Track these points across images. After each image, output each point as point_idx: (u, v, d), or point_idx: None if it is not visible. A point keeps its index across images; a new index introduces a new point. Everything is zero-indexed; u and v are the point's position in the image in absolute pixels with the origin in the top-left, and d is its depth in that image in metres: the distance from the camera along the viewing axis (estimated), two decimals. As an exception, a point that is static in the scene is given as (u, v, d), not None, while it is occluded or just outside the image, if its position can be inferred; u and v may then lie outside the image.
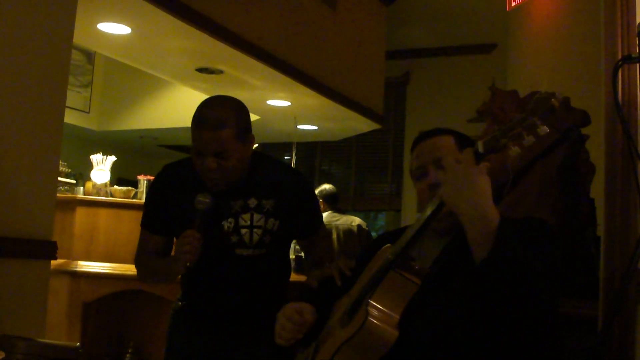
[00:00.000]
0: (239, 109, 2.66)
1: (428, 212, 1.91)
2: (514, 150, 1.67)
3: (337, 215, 7.07)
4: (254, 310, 2.75)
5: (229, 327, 2.75)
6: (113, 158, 5.68)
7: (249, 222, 2.68)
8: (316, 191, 7.12)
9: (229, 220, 2.67)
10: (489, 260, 1.70)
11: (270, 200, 2.70)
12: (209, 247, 2.64)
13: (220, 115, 2.57)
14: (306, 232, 2.86)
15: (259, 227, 2.68)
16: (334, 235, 6.87)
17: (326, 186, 7.26)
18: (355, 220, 7.08)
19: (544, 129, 1.64)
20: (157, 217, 2.79)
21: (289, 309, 2.21)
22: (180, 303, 2.89)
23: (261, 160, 2.79)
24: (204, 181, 2.64)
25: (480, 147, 1.76)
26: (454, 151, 2.09)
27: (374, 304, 1.92)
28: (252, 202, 2.69)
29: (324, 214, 7.00)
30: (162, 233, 2.77)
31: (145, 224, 2.84)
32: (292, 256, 5.95)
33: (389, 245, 2.08)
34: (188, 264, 2.53)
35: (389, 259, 1.97)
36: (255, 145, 2.76)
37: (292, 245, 5.92)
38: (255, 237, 2.68)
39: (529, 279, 1.70)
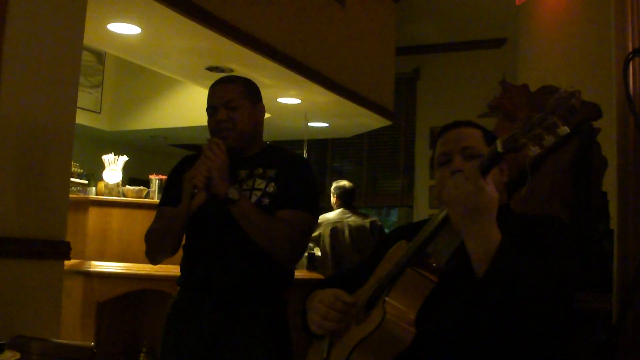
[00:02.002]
0: (247, 79, 3.00)
1: (440, 217, 1.90)
2: (534, 150, 1.65)
3: (348, 213, 7.02)
4: (251, 292, 2.74)
5: (226, 314, 2.72)
6: (125, 158, 5.69)
7: (251, 186, 2.80)
8: (333, 186, 7.15)
9: (234, 185, 2.73)
10: (486, 277, 1.74)
11: (274, 170, 2.83)
12: (211, 213, 2.75)
13: (230, 77, 3.01)
14: (283, 202, 2.79)
15: (259, 189, 2.79)
16: (346, 233, 6.86)
17: (344, 182, 7.19)
18: (368, 217, 7.06)
19: (565, 130, 1.60)
20: (171, 191, 2.89)
21: (328, 295, 2.16)
22: (177, 296, 2.90)
23: (273, 146, 3.02)
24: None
25: (499, 146, 1.72)
26: (481, 144, 2.11)
27: (391, 301, 1.92)
28: (258, 171, 2.83)
29: (337, 211, 7.02)
30: (175, 204, 2.80)
31: (160, 203, 3.00)
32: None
33: (403, 241, 2.08)
34: (205, 177, 2.64)
35: (406, 256, 1.96)
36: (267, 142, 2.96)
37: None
38: (254, 198, 2.76)
39: (526, 298, 1.72)
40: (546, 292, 1.73)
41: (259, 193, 2.77)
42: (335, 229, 6.89)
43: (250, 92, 2.92)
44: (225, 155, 2.72)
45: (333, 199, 7.11)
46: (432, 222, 1.93)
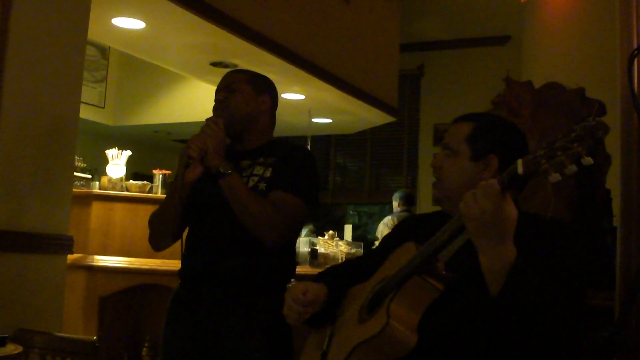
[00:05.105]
0: (258, 73, 3.02)
1: (453, 227, 1.88)
2: (554, 176, 1.59)
3: (404, 215, 7.80)
4: (250, 283, 2.73)
5: (224, 305, 2.71)
6: (128, 153, 5.70)
7: (249, 172, 2.80)
8: (395, 194, 8.27)
9: (229, 162, 2.75)
10: (501, 296, 1.74)
11: (274, 158, 2.82)
12: (210, 202, 2.75)
13: (241, 68, 3.05)
14: (276, 185, 2.77)
15: (256, 175, 2.79)
16: None
17: (404, 191, 8.43)
18: None
19: (589, 160, 1.57)
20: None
21: (296, 288, 2.23)
22: (177, 288, 2.89)
23: (280, 139, 3.05)
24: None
25: (519, 167, 1.67)
26: (460, 140, 2.14)
27: (396, 307, 1.90)
28: (260, 160, 2.83)
29: (396, 214, 7.88)
30: None
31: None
32: (307, 249, 5.96)
33: (412, 244, 2.05)
34: (199, 148, 2.67)
35: (415, 263, 1.95)
36: None
37: (307, 240, 5.95)
38: (251, 183, 2.76)
39: (539, 313, 1.74)
40: (559, 306, 1.75)
41: (256, 178, 2.77)
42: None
43: (255, 80, 2.94)
44: (223, 133, 2.75)
45: (395, 204, 8.19)
46: (446, 231, 1.90)
